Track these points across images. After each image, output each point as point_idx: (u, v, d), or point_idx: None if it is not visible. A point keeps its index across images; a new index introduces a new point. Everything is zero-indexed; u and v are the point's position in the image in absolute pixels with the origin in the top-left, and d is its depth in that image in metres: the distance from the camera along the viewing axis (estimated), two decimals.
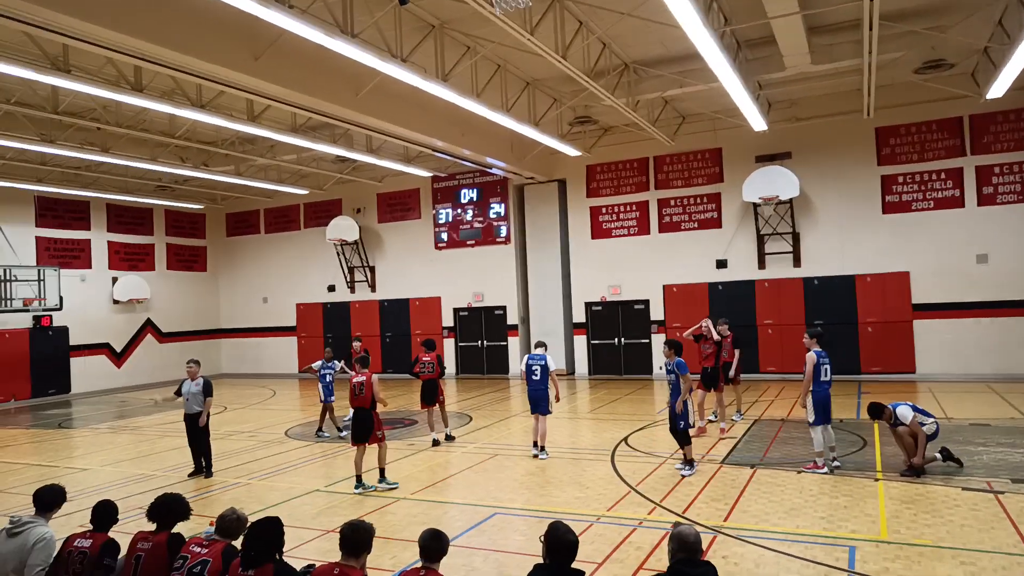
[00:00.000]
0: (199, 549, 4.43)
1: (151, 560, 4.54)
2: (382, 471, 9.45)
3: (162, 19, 9.70)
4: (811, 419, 9.12)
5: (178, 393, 10.88)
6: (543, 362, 10.86)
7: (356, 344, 14.32)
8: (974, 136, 17.22)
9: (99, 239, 23.79)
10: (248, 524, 4.45)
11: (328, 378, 13.35)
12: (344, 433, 12.80)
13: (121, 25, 9.15)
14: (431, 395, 12.27)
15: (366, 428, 9.30)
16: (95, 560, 4.63)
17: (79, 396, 22.23)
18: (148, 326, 25.16)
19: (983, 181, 17.13)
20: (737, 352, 12.91)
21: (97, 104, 14.95)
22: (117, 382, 23.85)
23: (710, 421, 12.52)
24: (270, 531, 4.23)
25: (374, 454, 9.45)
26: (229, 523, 4.57)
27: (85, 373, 22.93)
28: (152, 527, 4.82)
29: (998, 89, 14.09)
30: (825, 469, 9.11)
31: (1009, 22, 12.59)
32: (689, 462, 9.52)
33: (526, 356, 11.26)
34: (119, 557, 4.76)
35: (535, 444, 10.84)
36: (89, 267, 23.46)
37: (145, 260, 25.27)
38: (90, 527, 4.97)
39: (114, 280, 24.00)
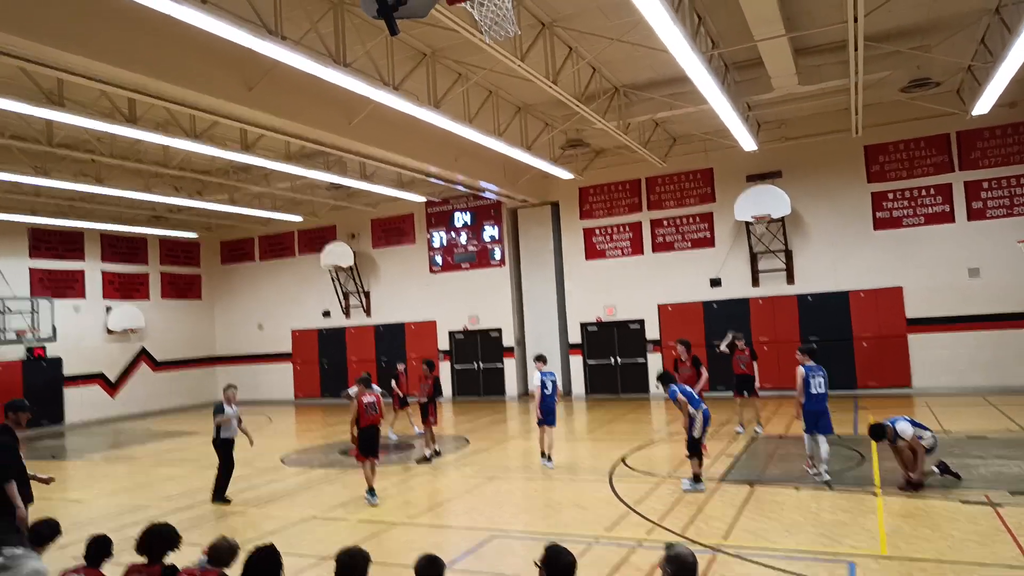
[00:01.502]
0: None
1: None
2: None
3: (156, 52, 9.81)
4: (805, 427, 9.66)
5: (219, 412, 10.72)
6: (554, 378, 11.67)
7: (400, 366, 15.21)
8: (962, 152, 17.43)
9: (93, 269, 23.78)
10: (238, 551, 4.43)
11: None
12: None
13: (115, 59, 9.25)
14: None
15: (376, 443, 10.09)
16: None
17: (73, 427, 22.06)
18: (142, 355, 25.05)
19: (972, 196, 17.30)
20: (755, 364, 13.47)
21: (91, 136, 15.03)
22: (111, 412, 23.68)
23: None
24: (268, 560, 4.20)
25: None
26: (222, 551, 4.53)
27: (79, 403, 22.76)
28: (143, 560, 4.77)
29: (983, 106, 14.29)
30: (815, 470, 9.48)
31: (991, 40, 12.82)
32: (695, 477, 9.51)
33: (537, 373, 11.63)
34: None
35: (543, 454, 11.60)
36: (83, 297, 23.41)
37: (139, 289, 25.24)
38: (83, 563, 4.91)
39: (108, 310, 23.95)
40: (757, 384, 13.68)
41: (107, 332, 23.87)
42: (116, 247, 24.52)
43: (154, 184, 18.85)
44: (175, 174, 18.02)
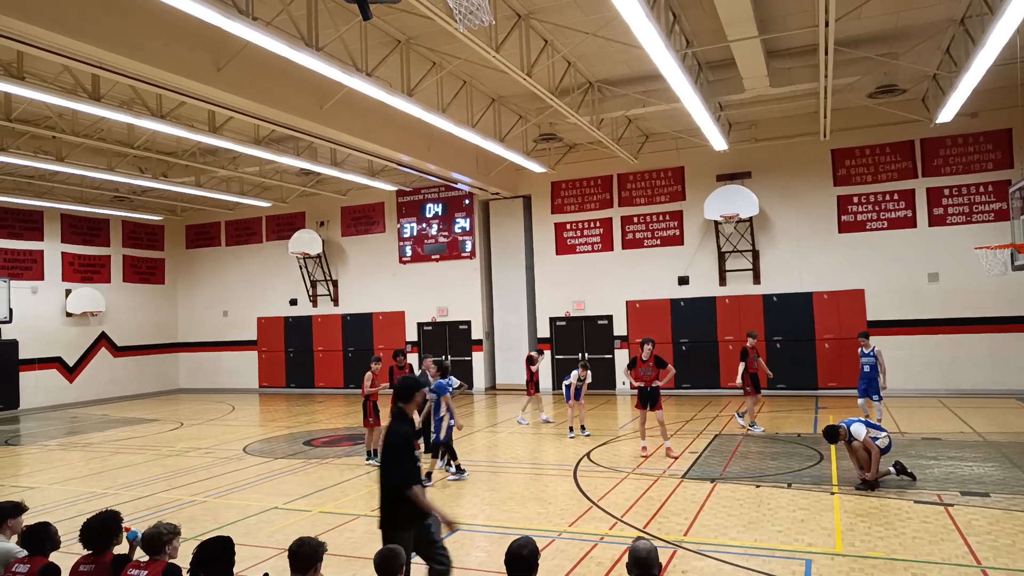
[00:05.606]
0: (137, 572, 4.26)
1: None
2: (373, 451, 11.72)
3: (122, 27, 9.56)
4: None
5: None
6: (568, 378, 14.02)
7: (534, 353, 16.39)
8: (925, 159, 17.81)
9: (52, 250, 23.16)
10: (170, 536, 4.37)
11: (450, 398, 11.17)
12: (460, 476, 10.81)
13: (79, 33, 8.99)
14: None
15: (370, 414, 11.80)
16: None
17: (28, 411, 21.50)
18: (102, 340, 24.50)
19: (934, 202, 17.70)
20: (760, 362, 13.86)
21: (52, 112, 14.61)
22: (69, 397, 23.14)
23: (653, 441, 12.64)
24: (221, 551, 4.12)
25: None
26: (149, 539, 4.38)
27: (35, 388, 22.20)
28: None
29: (947, 114, 14.60)
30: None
31: (956, 51, 13.10)
32: (458, 468, 10.74)
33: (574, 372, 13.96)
34: None
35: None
36: (41, 279, 22.80)
37: (100, 272, 24.65)
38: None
39: (67, 292, 23.36)
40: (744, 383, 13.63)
41: (66, 315, 23.28)
42: (77, 228, 23.90)
43: (118, 164, 18.41)
44: (140, 154, 17.62)
